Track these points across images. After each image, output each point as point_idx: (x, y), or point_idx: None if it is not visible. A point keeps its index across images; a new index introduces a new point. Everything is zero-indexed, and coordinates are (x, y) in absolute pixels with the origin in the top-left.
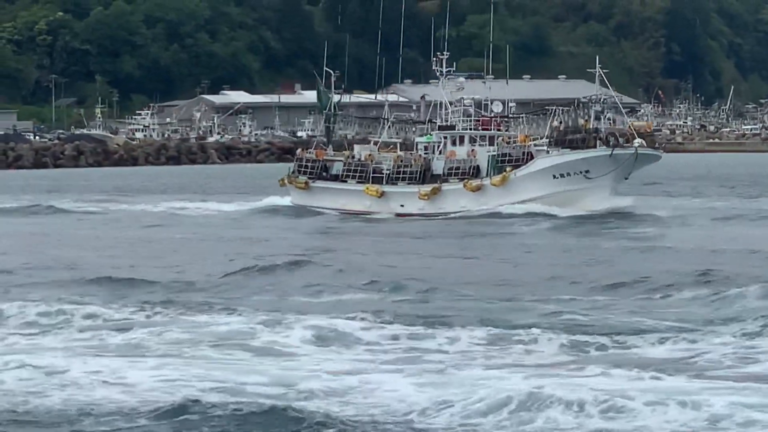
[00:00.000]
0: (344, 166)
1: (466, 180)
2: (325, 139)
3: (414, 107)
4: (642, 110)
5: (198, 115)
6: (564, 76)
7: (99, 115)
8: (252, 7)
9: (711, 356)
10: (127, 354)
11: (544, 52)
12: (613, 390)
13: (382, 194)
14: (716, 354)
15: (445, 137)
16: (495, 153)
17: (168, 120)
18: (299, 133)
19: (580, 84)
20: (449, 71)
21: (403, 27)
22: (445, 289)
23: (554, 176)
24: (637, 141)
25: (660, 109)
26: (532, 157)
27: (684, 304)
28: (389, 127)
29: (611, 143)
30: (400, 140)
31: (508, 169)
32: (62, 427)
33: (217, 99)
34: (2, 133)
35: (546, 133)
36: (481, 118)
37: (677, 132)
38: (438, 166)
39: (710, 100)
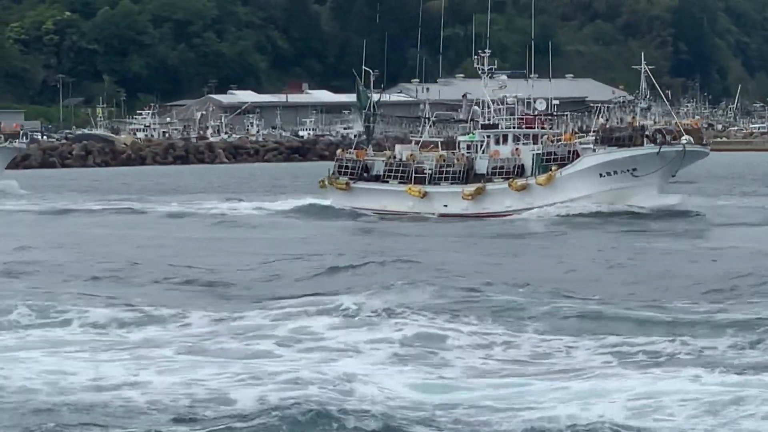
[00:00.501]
0: (385, 166)
1: (510, 179)
2: (365, 139)
3: (458, 108)
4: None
5: (198, 114)
6: (571, 75)
7: (100, 115)
8: (259, 6)
9: None
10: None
11: (552, 51)
12: None
13: (424, 195)
14: None
15: (488, 136)
16: (540, 152)
17: (168, 120)
18: (301, 133)
19: (588, 83)
20: (491, 69)
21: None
22: (583, 292)
23: (601, 175)
24: (685, 138)
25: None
26: (577, 156)
27: None
28: (430, 126)
29: (658, 141)
30: (441, 139)
31: (553, 168)
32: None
33: (224, 98)
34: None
35: (591, 131)
36: (524, 117)
37: None
38: (481, 165)
39: (717, 98)
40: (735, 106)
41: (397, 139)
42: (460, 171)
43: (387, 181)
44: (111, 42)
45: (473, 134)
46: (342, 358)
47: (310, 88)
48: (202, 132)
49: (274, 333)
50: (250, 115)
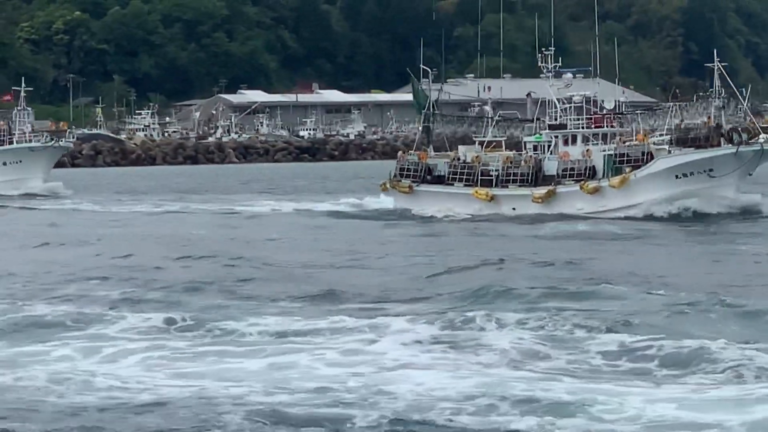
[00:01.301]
0: (449, 168)
1: (582, 182)
2: (425, 140)
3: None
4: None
5: (197, 114)
6: (581, 75)
7: (100, 115)
8: (269, 6)
9: None
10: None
11: (562, 51)
12: None
13: (492, 198)
14: None
15: (556, 136)
16: (612, 153)
17: (168, 120)
18: (301, 133)
19: (598, 83)
20: (555, 66)
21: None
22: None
23: (677, 176)
24: (763, 136)
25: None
26: (651, 157)
27: None
28: (494, 125)
29: (735, 140)
30: (504, 138)
31: (627, 170)
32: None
33: (234, 98)
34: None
35: (664, 131)
36: (593, 116)
37: None
38: (550, 167)
39: (727, 99)
40: (745, 106)
41: (459, 139)
42: (528, 173)
43: (452, 184)
44: (121, 42)
45: (540, 135)
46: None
47: (320, 88)
48: (201, 132)
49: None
50: (260, 115)
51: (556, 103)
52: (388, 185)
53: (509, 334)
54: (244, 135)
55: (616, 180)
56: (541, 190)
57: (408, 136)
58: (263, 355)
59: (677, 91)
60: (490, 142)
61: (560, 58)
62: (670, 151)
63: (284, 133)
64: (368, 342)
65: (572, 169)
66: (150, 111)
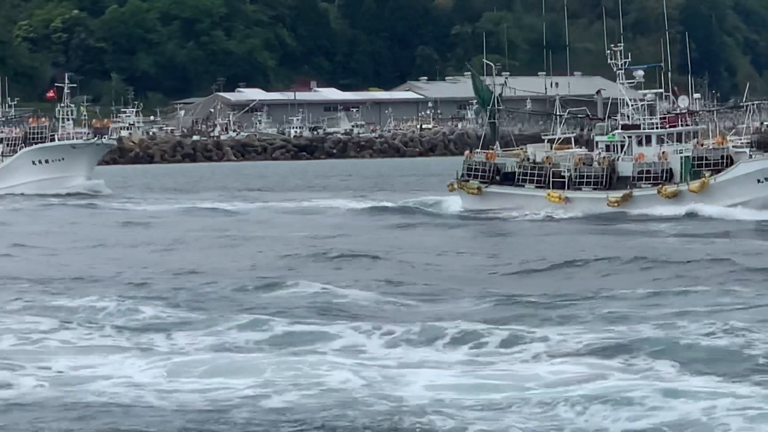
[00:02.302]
0: (519, 168)
1: (660, 185)
2: (490, 138)
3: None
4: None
5: (182, 113)
6: (579, 73)
7: (84, 114)
8: (268, 4)
9: None
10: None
11: (560, 49)
12: None
13: (565, 200)
14: None
15: (629, 136)
16: (690, 156)
17: (152, 118)
18: (288, 130)
19: (597, 80)
20: (626, 63)
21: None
22: None
23: (759, 181)
24: None
25: (675, 105)
26: (731, 161)
27: None
28: (563, 123)
29: None
30: (574, 135)
31: (706, 174)
32: None
33: (233, 96)
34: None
35: (743, 132)
36: (667, 116)
37: None
38: (625, 168)
39: (726, 96)
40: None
41: (527, 137)
42: (601, 175)
43: (522, 185)
44: (119, 40)
45: (612, 134)
46: None
47: (318, 86)
48: (185, 130)
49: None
50: (258, 113)
51: (628, 101)
52: (455, 185)
53: None
54: (242, 133)
55: (695, 184)
56: (617, 194)
57: (406, 134)
58: None
59: (675, 88)
60: (560, 141)
61: (559, 55)
62: (751, 155)
63: (272, 131)
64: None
65: (648, 171)
66: (134, 110)
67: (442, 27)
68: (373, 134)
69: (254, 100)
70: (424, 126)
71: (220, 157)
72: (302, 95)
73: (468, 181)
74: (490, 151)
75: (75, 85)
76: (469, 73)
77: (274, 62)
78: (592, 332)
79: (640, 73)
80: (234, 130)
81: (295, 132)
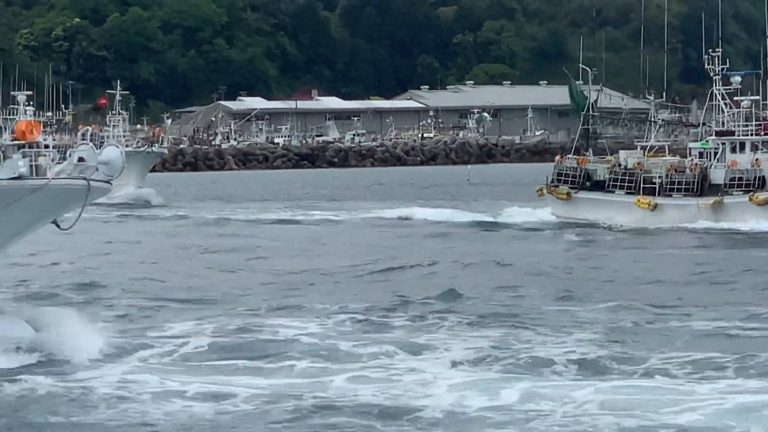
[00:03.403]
0: (610, 174)
1: (752, 193)
2: (583, 144)
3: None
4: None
5: (169, 122)
6: (581, 82)
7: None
8: (269, 13)
9: None
10: None
11: (561, 58)
12: None
13: (655, 207)
14: None
15: (723, 143)
16: None
17: (139, 126)
18: (276, 140)
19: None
20: (723, 69)
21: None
22: None
23: None
24: None
25: (677, 114)
26: None
27: None
28: (657, 130)
29: None
30: (668, 142)
31: None
32: None
33: (234, 105)
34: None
35: None
36: (763, 123)
37: None
38: (717, 175)
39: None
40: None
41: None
42: (693, 181)
43: (612, 191)
44: (120, 48)
45: (706, 141)
46: None
47: (319, 95)
48: (173, 140)
49: None
50: (260, 122)
51: (723, 107)
52: (544, 191)
53: None
54: (243, 142)
55: None
56: (707, 201)
57: (407, 143)
58: None
59: (676, 98)
60: (653, 148)
61: (561, 65)
62: None
63: (260, 140)
64: None
65: (740, 178)
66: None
67: (444, 36)
68: (374, 143)
69: (255, 109)
70: (425, 135)
71: (221, 166)
72: (303, 104)
73: (558, 186)
74: (582, 157)
75: (127, 92)
76: (472, 82)
77: (275, 71)
78: None
79: (738, 79)
80: (235, 139)
81: (283, 141)
